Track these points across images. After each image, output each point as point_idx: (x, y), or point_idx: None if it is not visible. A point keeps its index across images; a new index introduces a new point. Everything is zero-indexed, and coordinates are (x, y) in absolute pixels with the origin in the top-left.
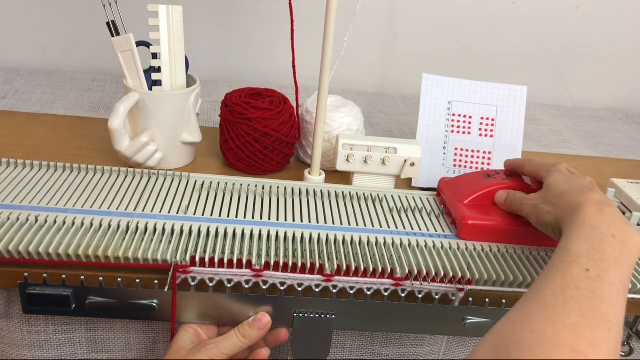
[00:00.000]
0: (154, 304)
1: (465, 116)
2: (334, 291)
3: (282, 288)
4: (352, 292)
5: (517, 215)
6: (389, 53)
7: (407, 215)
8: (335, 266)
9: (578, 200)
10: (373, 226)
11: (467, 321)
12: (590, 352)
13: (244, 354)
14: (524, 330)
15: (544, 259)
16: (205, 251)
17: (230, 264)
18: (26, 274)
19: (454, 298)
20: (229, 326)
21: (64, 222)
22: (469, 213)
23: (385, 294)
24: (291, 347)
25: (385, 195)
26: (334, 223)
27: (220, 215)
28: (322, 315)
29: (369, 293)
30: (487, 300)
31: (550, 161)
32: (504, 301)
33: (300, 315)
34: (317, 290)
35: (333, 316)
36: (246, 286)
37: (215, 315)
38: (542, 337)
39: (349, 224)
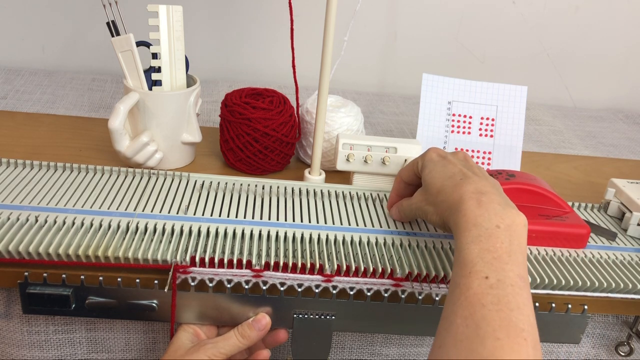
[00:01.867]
0: (154, 304)
1: (465, 116)
2: (334, 292)
3: (282, 288)
4: (352, 292)
5: None
6: (389, 53)
7: None
8: (335, 266)
9: (454, 198)
10: (373, 226)
11: None
12: None
13: (243, 354)
14: None
15: (543, 259)
16: (205, 251)
17: (230, 264)
18: (26, 274)
19: None
20: (228, 327)
21: (64, 222)
22: None
23: (385, 294)
24: (291, 347)
25: (385, 195)
26: (334, 223)
27: (220, 215)
28: (322, 316)
29: (368, 294)
30: None
31: (547, 161)
32: None
33: (300, 316)
34: (317, 290)
35: (333, 317)
36: (246, 286)
37: (215, 316)
38: None
39: (349, 224)
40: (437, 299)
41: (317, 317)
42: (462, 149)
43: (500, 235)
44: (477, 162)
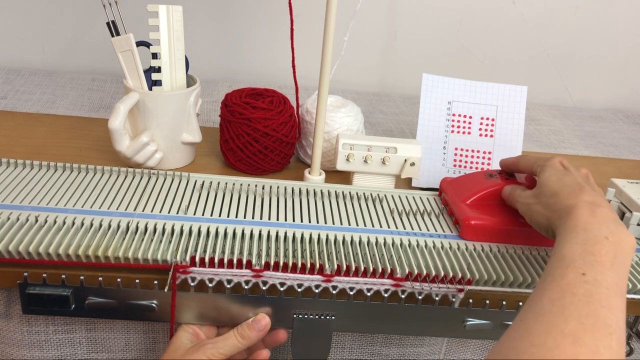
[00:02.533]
0: (154, 305)
1: (465, 116)
2: (334, 292)
3: (281, 289)
4: (351, 292)
5: (519, 215)
6: (389, 53)
7: (407, 216)
8: (335, 266)
9: (569, 203)
10: (373, 226)
11: (468, 323)
12: (592, 358)
13: (243, 354)
14: (524, 345)
15: (544, 259)
16: (205, 251)
17: (230, 264)
18: (26, 274)
19: (454, 299)
20: (228, 327)
21: (64, 222)
22: (471, 213)
23: (385, 295)
24: (291, 348)
25: (385, 195)
26: (334, 223)
27: (220, 215)
28: (322, 317)
29: (368, 294)
30: (488, 301)
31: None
32: (504, 302)
33: (300, 316)
34: (316, 291)
35: (333, 317)
36: (246, 287)
37: (215, 316)
38: (543, 349)
39: (349, 224)
40: (437, 299)
41: (317, 317)
42: (465, 150)
43: (607, 246)
44: (477, 162)
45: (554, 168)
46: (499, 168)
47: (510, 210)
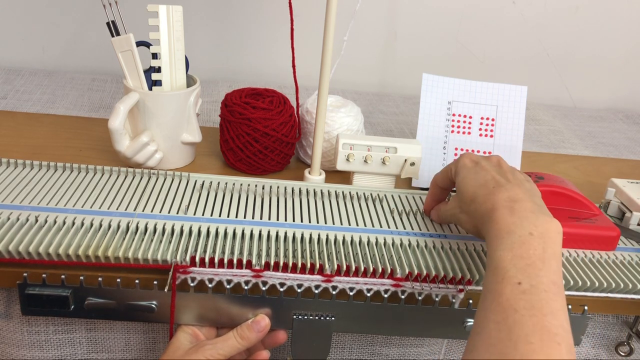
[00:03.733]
0: (153, 305)
1: (465, 116)
2: (334, 292)
3: (281, 289)
4: (351, 293)
5: None
6: (389, 53)
7: (407, 216)
8: (335, 266)
9: (487, 207)
10: (373, 226)
11: (468, 324)
12: None
13: (242, 355)
14: None
15: None
16: (205, 251)
17: (230, 264)
18: (25, 274)
19: (454, 300)
20: (227, 328)
21: (64, 222)
22: None
23: (385, 295)
24: (291, 348)
25: (385, 195)
26: (334, 223)
27: (220, 215)
28: (322, 317)
29: (368, 295)
30: None
31: (547, 161)
32: None
33: (300, 317)
34: (316, 291)
35: (332, 318)
36: (245, 287)
37: (214, 317)
38: None
39: (349, 224)
40: (437, 299)
41: (316, 318)
42: (465, 150)
43: (533, 242)
44: None
45: (465, 168)
46: (527, 171)
47: None
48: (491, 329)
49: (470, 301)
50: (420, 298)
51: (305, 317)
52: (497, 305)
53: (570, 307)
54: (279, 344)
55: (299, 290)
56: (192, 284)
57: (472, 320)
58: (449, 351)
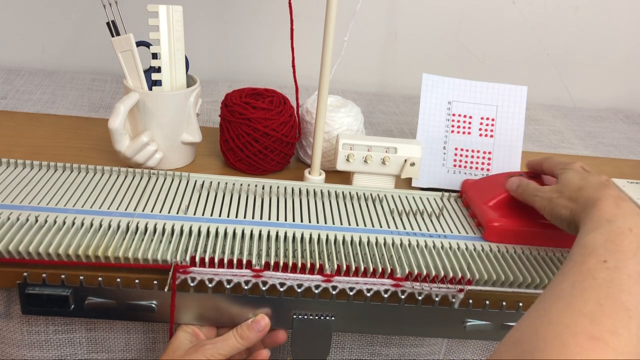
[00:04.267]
0: (153, 305)
1: (465, 116)
2: (334, 292)
3: (281, 289)
4: (351, 293)
5: (541, 216)
6: (389, 53)
7: (407, 216)
8: (335, 266)
9: (595, 195)
10: (373, 226)
11: (468, 324)
12: (609, 338)
13: (242, 354)
14: (542, 323)
15: (544, 260)
16: (205, 251)
17: (230, 264)
18: (25, 274)
19: (453, 300)
20: (227, 328)
21: (64, 222)
22: (494, 215)
23: (385, 295)
24: (291, 348)
25: (385, 195)
26: (334, 223)
27: (220, 215)
28: (322, 317)
29: (368, 294)
30: (487, 302)
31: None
32: (504, 303)
33: (300, 316)
34: (316, 291)
35: (332, 318)
36: (245, 287)
37: (214, 317)
38: (561, 326)
39: (349, 224)
40: (437, 299)
41: (316, 317)
42: (464, 149)
43: (630, 237)
44: (477, 162)
45: (576, 170)
46: (519, 170)
47: (534, 211)
48: (565, 287)
49: (470, 301)
50: (420, 298)
51: (305, 316)
52: (577, 271)
53: None
54: (279, 344)
55: (299, 290)
56: (192, 284)
57: (473, 321)
58: (449, 351)
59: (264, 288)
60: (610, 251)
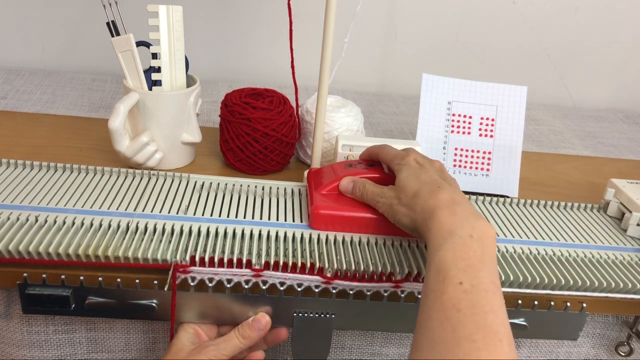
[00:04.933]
0: (154, 304)
1: (465, 116)
2: (334, 291)
3: (281, 288)
4: (351, 292)
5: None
6: (389, 53)
7: None
8: (335, 268)
9: (430, 204)
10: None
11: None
12: None
13: (243, 354)
14: None
15: (543, 258)
16: (205, 251)
17: (230, 264)
18: (25, 275)
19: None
20: (228, 325)
21: (64, 222)
22: (321, 203)
23: (385, 294)
24: (291, 346)
25: None
26: None
27: (220, 215)
28: (322, 315)
29: (368, 293)
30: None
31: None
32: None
33: (300, 314)
34: (316, 290)
35: (333, 316)
36: (246, 286)
37: (215, 315)
38: None
39: None
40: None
41: (317, 315)
42: (464, 149)
43: (473, 245)
44: (477, 162)
45: (410, 166)
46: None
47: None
48: (435, 328)
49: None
50: (420, 297)
51: (306, 315)
52: (440, 304)
53: (569, 304)
54: (281, 342)
55: (299, 289)
56: (192, 284)
57: None
58: None
59: (264, 287)
60: (461, 269)
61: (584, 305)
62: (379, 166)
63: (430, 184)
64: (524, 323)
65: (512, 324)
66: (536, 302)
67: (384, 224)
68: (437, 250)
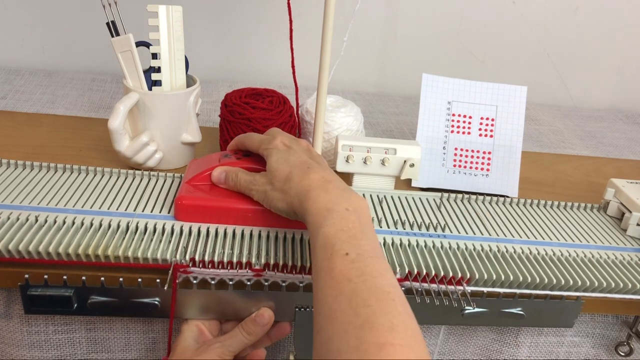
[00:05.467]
0: (156, 302)
1: (465, 116)
2: None
3: (283, 284)
4: None
5: (238, 194)
6: (389, 53)
7: (407, 216)
8: None
9: (302, 186)
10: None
11: (466, 311)
12: (392, 337)
13: (246, 350)
14: (333, 355)
15: (543, 258)
16: (205, 251)
17: (231, 266)
18: (27, 276)
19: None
20: (231, 322)
21: (64, 222)
22: (186, 193)
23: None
24: (293, 341)
25: (385, 196)
26: None
27: None
28: None
29: None
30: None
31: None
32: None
33: (302, 309)
34: None
35: None
36: (248, 282)
37: (218, 310)
38: (350, 351)
39: None
40: (439, 297)
41: None
42: (464, 149)
43: (350, 217)
44: (477, 162)
45: (278, 150)
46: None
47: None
48: (331, 304)
49: (469, 290)
50: (421, 295)
51: (307, 309)
52: (332, 279)
53: (564, 294)
54: (284, 336)
55: (300, 285)
56: (194, 281)
57: (470, 308)
58: (445, 350)
59: (266, 283)
60: (345, 241)
61: (579, 294)
62: (256, 156)
63: (300, 166)
64: (521, 312)
65: (509, 313)
66: (533, 294)
67: (261, 214)
68: (319, 228)
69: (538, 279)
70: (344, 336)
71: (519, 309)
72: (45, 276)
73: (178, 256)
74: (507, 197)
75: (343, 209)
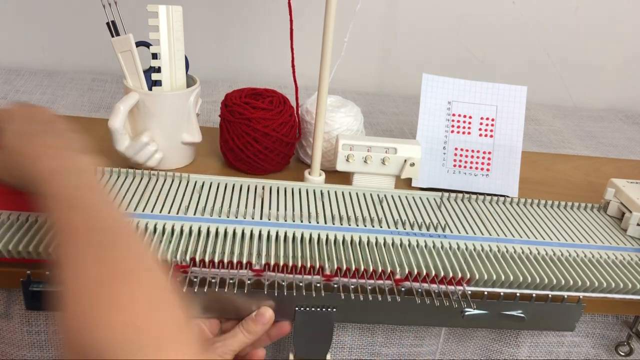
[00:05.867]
0: None
1: (465, 116)
2: (335, 286)
3: (283, 283)
4: (352, 287)
5: None
6: (389, 53)
7: (407, 216)
8: (335, 267)
9: (28, 152)
10: (373, 226)
11: (466, 313)
12: (134, 306)
13: (246, 350)
14: (86, 316)
15: (543, 258)
16: (205, 251)
17: (231, 266)
18: (29, 272)
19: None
20: (231, 321)
21: None
22: None
23: (386, 289)
24: (293, 341)
25: (385, 196)
26: (334, 223)
27: (220, 216)
28: (323, 309)
29: (369, 288)
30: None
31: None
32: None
33: (302, 309)
34: (318, 285)
35: (334, 310)
36: (248, 281)
37: (219, 309)
38: (104, 307)
39: (349, 224)
40: (439, 298)
41: (318, 310)
42: (464, 149)
43: (45, 161)
44: (477, 162)
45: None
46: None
47: None
48: (79, 252)
49: (469, 292)
50: (421, 297)
51: (308, 309)
52: (75, 232)
53: (566, 296)
54: (284, 335)
55: (300, 284)
56: (195, 280)
57: (470, 310)
58: (445, 350)
59: (266, 283)
60: (78, 197)
61: (581, 296)
62: None
63: (24, 136)
64: (522, 315)
65: (509, 315)
66: (534, 295)
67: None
68: (51, 189)
69: (538, 279)
70: (101, 292)
71: (520, 311)
72: (48, 272)
73: (178, 256)
74: (507, 197)
75: (69, 168)
